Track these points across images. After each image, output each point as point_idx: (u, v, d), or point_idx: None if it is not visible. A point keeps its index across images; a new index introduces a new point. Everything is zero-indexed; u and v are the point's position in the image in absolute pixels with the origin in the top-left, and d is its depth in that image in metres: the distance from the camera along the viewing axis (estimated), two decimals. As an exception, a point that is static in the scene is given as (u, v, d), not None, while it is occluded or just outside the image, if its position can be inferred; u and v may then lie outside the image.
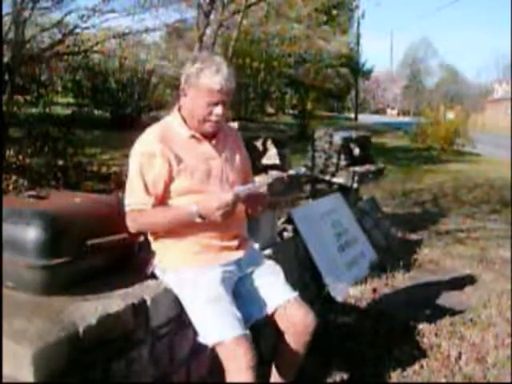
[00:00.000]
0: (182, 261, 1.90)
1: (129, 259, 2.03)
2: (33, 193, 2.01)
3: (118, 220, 1.87)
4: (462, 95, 47.14)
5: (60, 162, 5.71)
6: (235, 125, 2.54)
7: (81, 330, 1.53)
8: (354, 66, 26.13)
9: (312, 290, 3.41)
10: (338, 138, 4.82)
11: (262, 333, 2.19)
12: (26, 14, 6.13)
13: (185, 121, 1.93)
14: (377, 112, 45.35)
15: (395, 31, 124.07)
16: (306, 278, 3.45)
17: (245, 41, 12.32)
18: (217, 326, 1.77)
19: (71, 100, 12.52)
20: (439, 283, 3.88)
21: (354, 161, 4.91)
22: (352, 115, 29.34)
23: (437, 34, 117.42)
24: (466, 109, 18.77)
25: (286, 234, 3.55)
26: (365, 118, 28.77)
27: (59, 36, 7.17)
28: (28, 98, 7.89)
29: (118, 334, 1.68)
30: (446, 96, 42.22)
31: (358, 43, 28.09)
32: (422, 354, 2.72)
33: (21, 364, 1.38)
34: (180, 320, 1.94)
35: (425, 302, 3.46)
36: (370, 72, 34.19)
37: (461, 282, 3.91)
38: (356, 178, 4.73)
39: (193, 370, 2.06)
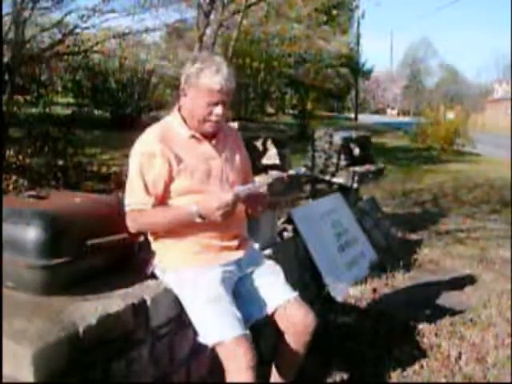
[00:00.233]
0: (182, 261, 1.90)
1: (129, 259, 2.03)
2: (33, 193, 2.01)
3: (118, 220, 1.87)
4: (462, 95, 47.14)
5: (60, 162, 5.70)
6: (235, 125, 2.54)
7: (81, 329, 1.53)
8: (354, 66, 26.13)
9: (312, 290, 3.41)
10: (337, 138, 4.82)
11: (262, 333, 2.19)
12: (26, 13, 6.13)
13: (185, 121, 1.93)
14: (377, 112, 45.35)
15: (395, 31, 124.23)
16: (306, 278, 3.45)
17: (245, 41, 12.32)
18: (217, 325, 1.77)
19: (71, 100, 12.52)
20: (439, 283, 3.88)
21: (354, 161, 4.91)
22: (352, 115, 29.34)
23: (437, 34, 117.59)
24: (466, 109, 18.77)
25: (286, 234, 3.54)
26: (365, 118, 28.77)
27: (59, 36, 7.17)
28: (28, 98, 7.89)
29: (117, 334, 1.68)
30: (446, 96, 42.22)
31: (358, 43, 28.11)
32: (422, 353, 2.72)
33: (21, 364, 1.38)
34: (180, 320, 1.94)
35: (425, 302, 3.46)
36: (370, 72, 34.19)
37: (461, 282, 3.91)
38: (356, 178, 4.73)
39: (193, 370, 2.06)
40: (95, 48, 8.01)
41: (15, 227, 1.69)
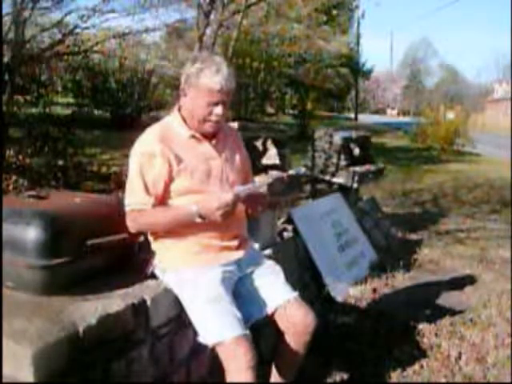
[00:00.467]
0: (182, 261, 1.90)
1: (129, 259, 2.03)
2: (33, 193, 2.01)
3: (118, 220, 1.87)
4: (461, 95, 47.11)
5: (60, 162, 5.70)
6: (235, 125, 2.54)
7: (81, 329, 1.53)
8: (353, 66, 26.14)
9: (312, 290, 3.41)
10: (337, 138, 4.82)
11: (262, 333, 2.19)
12: (26, 13, 6.12)
13: (185, 121, 1.93)
14: (377, 112, 45.33)
15: (395, 31, 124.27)
16: (306, 278, 3.45)
17: (245, 41, 12.32)
18: (217, 325, 1.77)
19: (71, 100, 12.52)
20: (439, 283, 3.88)
21: (353, 161, 4.91)
22: (352, 115, 29.34)
23: (437, 34, 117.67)
24: (466, 109, 18.74)
25: (286, 234, 3.54)
26: (365, 118, 28.77)
27: (59, 36, 7.16)
28: (28, 97, 7.88)
29: (117, 334, 1.68)
30: (446, 96, 42.20)
31: (358, 43, 28.12)
32: (422, 353, 2.72)
33: (21, 364, 1.38)
34: (180, 320, 1.94)
35: (425, 302, 3.46)
36: (370, 72, 34.19)
37: (461, 282, 3.91)
38: (356, 178, 4.73)
39: (193, 370, 2.06)
40: (95, 48, 8.00)
41: (15, 227, 1.69)
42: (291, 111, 18.22)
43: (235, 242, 1.98)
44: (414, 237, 5.31)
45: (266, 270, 2.03)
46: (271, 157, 3.25)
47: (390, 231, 5.25)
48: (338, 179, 4.76)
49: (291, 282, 2.05)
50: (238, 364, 1.71)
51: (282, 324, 1.95)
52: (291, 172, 3.04)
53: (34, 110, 7.79)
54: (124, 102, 11.82)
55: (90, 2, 6.93)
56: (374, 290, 3.65)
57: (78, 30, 7.07)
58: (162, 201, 1.87)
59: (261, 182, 2.36)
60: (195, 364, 2.07)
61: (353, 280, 3.77)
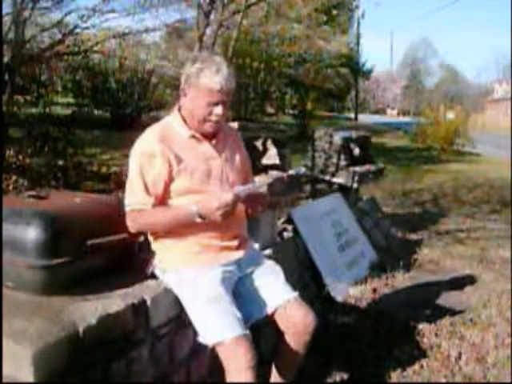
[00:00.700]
0: (182, 261, 1.90)
1: (129, 259, 2.03)
2: (33, 193, 2.01)
3: (118, 220, 1.87)
4: (461, 95, 47.11)
5: (60, 162, 5.70)
6: (235, 125, 2.54)
7: (81, 329, 1.53)
8: (353, 66, 26.15)
9: (312, 290, 3.41)
10: (337, 138, 4.82)
11: (262, 333, 2.19)
12: (26, 14, 6.12)
13: (185, 121, 1.93)
14: (377, 112, 45.32)
15: (395, 31, 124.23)
16: (306, 278, 3.45)
17: (245, 41, 12.32)
18: (217, 325, 1.77)
19: (71, 100, 12.52)
20: (439, 283, 3.88)
21: (353, 161, 4.91)
22: (352, 115, 29.34)
23: (437, 34, 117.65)
24: (466, 109, 18.74)
25: (286, 234, 3.54)
26: (365, 118, 28.77)
27: (59, 36, 7.16)
28: (28, 97, 7.88)
29: (117, 334, 1.68)
30: (446, 96, 42.20)
31: (358, 43, 28.12)
32: (422, 353, 2.72)
33: (21, 364, 1.38)
34: (180, 320, 1.94)
35: (425, 302, 3.46)
36: (370, 72, 34.19)
37: (461, 282, 3.91)
38: (356, 178, 4.73)
39: (193, 370, 2.06)
40: (95, 48, 8.00)
41: (15, 227, 1.69)
42: (291, 111, 18.22)
43: (235, 242, 1.98)
44: (414, 237, 5.31)
45: (266, 269, 2.03)
46: (271, 157, 3.25)
47: (390, 231, 5.25)
48: (338, 179, 4.76)
49: (291, 281, 2.05)
50: (237, 364, 1.71)
51: (282, 324, 1.95)
52: (291, 172, 3.04)
53: (34, 110, 7.79)
54: (124, 102, 11.82)
55: (90, 1, 6.94)
56: (374, 290, 3.65)
57: (78, 30, 7.07)
58: (162, 201, 1.87)
59: (261, 181, 2.36)
60: (195, 364, 2.07)
61: (353, 280, 3.77)
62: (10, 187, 4.68)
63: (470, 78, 63.39)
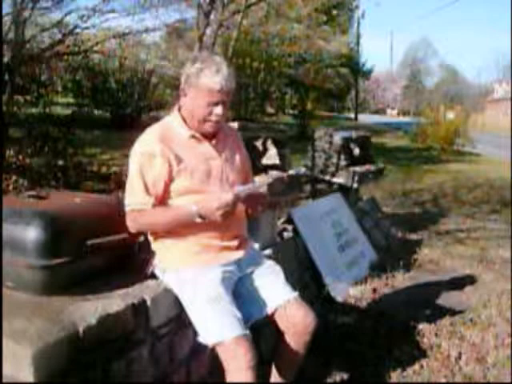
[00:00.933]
0: (181, 261, 1.90)
1: (129, 259, 2.03)
2: (33, 193, 2.01)
3: (118, 220, 1.87)
4: (462, 95, 47.11)
5: (60, 162, 5.70)
6: (235, 125, 2.54)
7: (81, 329, 1.53)
8: (353, 66, 26.17)
9: (312, 290, 3.41)
10: (337, 138, 4.82)
11: (262, 333, 2.19)
12: (26, 14, 6.13)
13: (185, 121, 1.93)
14: (377, 112, 45.32)
15: (395, 31, 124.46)
16: (306, 278, 3.45)
17: (245, 41, 12.33)
18: (217, 325, 1.77)
19: (71, 100, 12.52)
20: (439, 283, 3.88)
21: (353, 161, 4.91)
22: (352, 115, 29.35)
23: (437, 34, 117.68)
24: (466, 109, 18.76)
25: (286, 234, 3.54)
26: (365, 118, 28.77)
27: (59, 36, 7.17)
28: (28, 97, 7.89)
29: (118, 334, 1.68)
30: (446, 96, 42.21)
31: (358, 43, 28.16)
32: (422, 353, 2.72)
33: (21, 364, 1.38)
34: (180, 320, 1.94)
35: (425, 302, 3.46)
36: (370, 72, 34.23)
37: (461, 282, 3.91)
38: (356, 178, 4.72)
39: (193, 370, 2.06)
40: (95, 48, 8.01)
41: (15, 227, 1.69)
42: (291, 111, 18.23)
43: (235, 242, 1.98)
44: (414, 237, 5.30)
45: (266, 270, 2.03)
46: (271, 157, 3.25)
47: (390, 231, 5.25)
48: (338, 179, 4.75)
49: (291, 282, 2.05)
50: (237, 364, 1.71)
51: (282, 324, 1.95)
52: (291, 172, 3.05)
53: (34, 110, 7.80)
54: (124, 102, 11.82)
55: (90, 1, 6.96)
56: (374, 290, 3.65)
57: (78, 30, 7.09)
58: (162, 201, 1.87)
59: (261, 182, 2.37)
60: (195, 364, 2.07)
61: (353, 280, 3.77)
62: (10, 187, 4.68)
63: (470, 78, 63.51)
